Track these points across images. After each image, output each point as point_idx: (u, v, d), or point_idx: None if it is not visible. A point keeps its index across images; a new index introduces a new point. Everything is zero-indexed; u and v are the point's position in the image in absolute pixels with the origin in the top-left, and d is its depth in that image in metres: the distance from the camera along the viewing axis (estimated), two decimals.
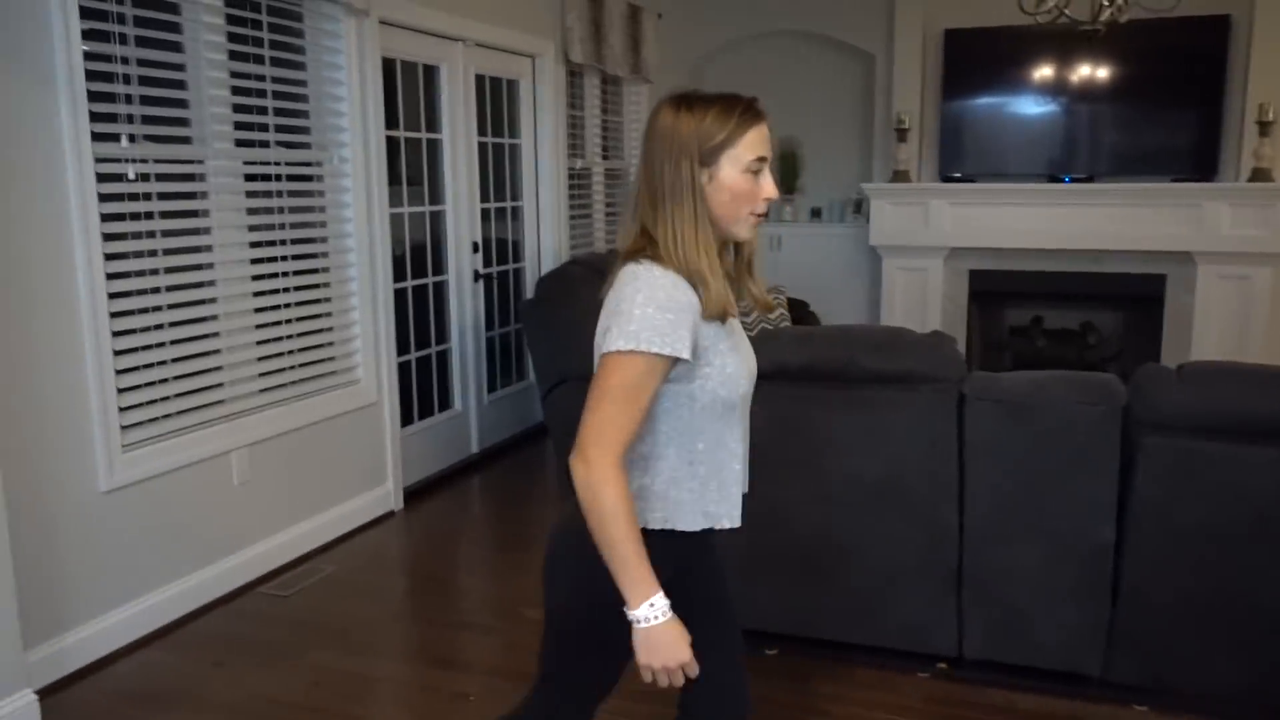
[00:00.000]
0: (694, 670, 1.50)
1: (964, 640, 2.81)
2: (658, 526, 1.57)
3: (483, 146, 5.11)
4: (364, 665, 3.08)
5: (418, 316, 4.76)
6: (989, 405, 2.58)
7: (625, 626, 1.54)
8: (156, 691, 2.91)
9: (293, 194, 3.80)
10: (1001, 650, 2.79)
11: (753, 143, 1.53)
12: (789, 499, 2.79)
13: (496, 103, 5.25)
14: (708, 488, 1.58)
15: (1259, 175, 5.95)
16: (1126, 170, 6.25)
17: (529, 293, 5.49)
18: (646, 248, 1.53)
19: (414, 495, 4.58)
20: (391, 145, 4.35)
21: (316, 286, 3.94)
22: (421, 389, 4.82)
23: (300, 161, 3.84)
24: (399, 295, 4.51)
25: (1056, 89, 6.31)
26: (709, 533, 1.62)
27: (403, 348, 4.57)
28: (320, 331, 3.96)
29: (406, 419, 4.61)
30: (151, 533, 3.22)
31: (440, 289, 4.93)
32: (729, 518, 1.61)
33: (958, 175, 6.53)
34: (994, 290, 6.69)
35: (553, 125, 5.55)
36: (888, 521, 2.73)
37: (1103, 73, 6.19)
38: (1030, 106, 6.39)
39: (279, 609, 3.46)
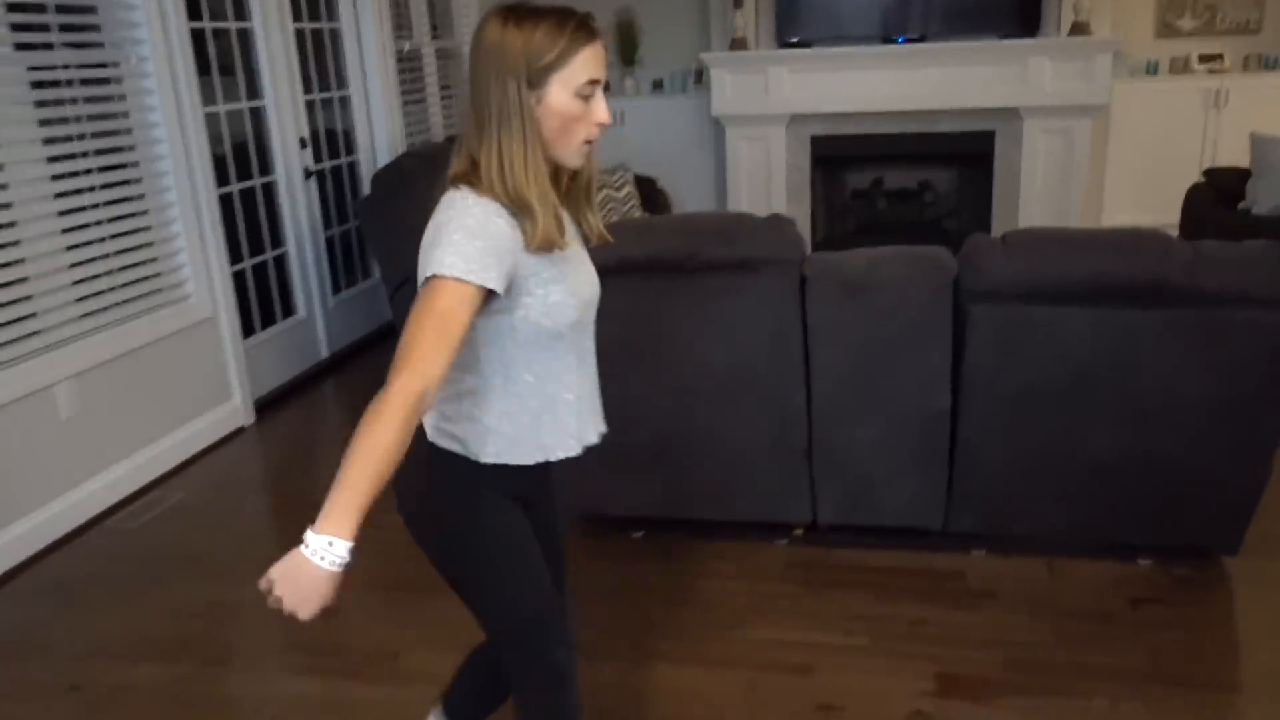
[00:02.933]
0: (306, 617, 1.32)
1: (817, 509, 2.94)
2: (492, 460, 1.53)
3: (300, 33, 4.78)
4: (226, 591, 3.01)
5: (249, 221, 4.51)
6: (829, 286, 2.64)
7: (503, 549, 1.56)
8: (2, 641, 2.78)
9: (90, 100, 3.48)
10: (852, 514, 2.94)
11: (585, 63, 1.42)
12: (644, 391, 2.82)
13: None
14: (540, 421, 1.54)
15: (1078, 29, 6.14)
16: (957, 29, 6.34)
17: (365, 187, 5.27)
18: (470, 173, 1.44)
19: (265, 407, 4.43)
20: (198, 38, 4.02)
21: (130, 200, 3.66)
22: (262, 297, 4.60)
23: (94, 63, 3.50)
24: (225, 200, 4.24)
25: None
26: (547, 463, 1.60)
27: (235, 256, 4.33)
28: (140, 248, 3.70)
29: (249, 330, 4.42)
30: None
31: (270, 190, 4.66)
32: (564, 448, 1.58)
33: (795, 40, 6.51)
34: (835, 155, 6.78)
35: (374, 4, 5.23)
36: (740, 405, 2.80)
37: None
38: None
39: (127, 542, 3.32)
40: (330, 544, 1.30)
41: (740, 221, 2.71)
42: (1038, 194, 6.43)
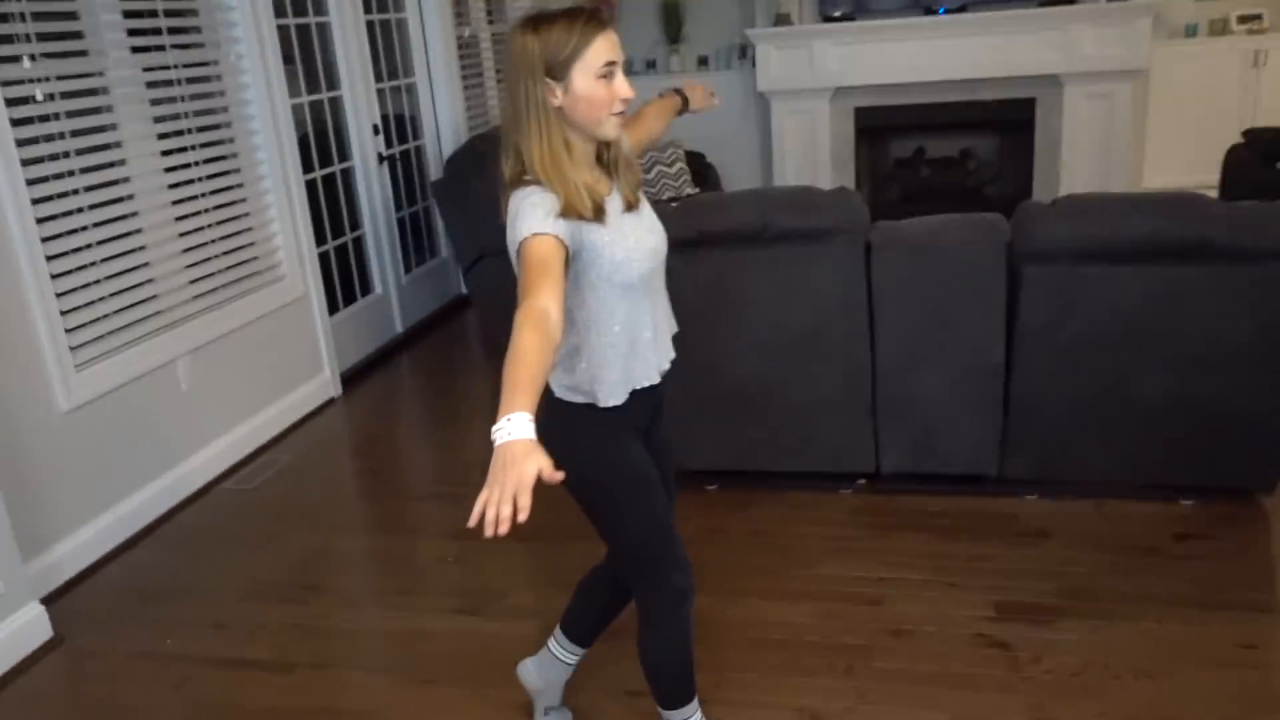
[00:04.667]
0: (525, 501, 1.34)
1: (880, 459, 3.19)
2: (603, 402, 1.80)
3: (370, 25, 5.05)
4: (339, 541, 3.33)
5: (330, 205, 4.80)
6: (892, 252, 2.88)
7: (628, 482, 1.83)
8: (150, 586, 3.11)
9: (195, 96, 3.77)
10: (913, 463, 3.18)
11: (599, 50, 1.65)
12: (721, 351, 3.07)
13: None
14: (631, 360, 1.80)
15: None
16: None
17: (432, 170, 5.55)
18: (524, 173, 1.70)
19: (350, 380, 4.74)
20: (283, 33, 4.30)
21: (231, 188, 3.96)
22: (343, 277, 4.90)
23: (198, 62, 3.79)
24: (309, 186, 4.53)
25: None
26: (648, 393, 1.85)
27: (320, 238, 4.63)
28: (241, 232, 4.01)
29: (333, 308, 4.72)
30: (115, 444, 3.35)
31: (347, 175, 4.95)
32: (647, 378, 1.84)
33: (838, 15, 6.68)
34: (878, 125, 6.96)
35: None
36: (809, 363, 3.05)
37: None
38: None
39: (247, 500, 3.65)
40: (509, 419, 1.39)
41: (809, 194, 2.95)
42: (1079, 159, 6.57)
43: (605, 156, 1.81)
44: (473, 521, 1.33)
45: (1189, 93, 6.63)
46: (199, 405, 3.74)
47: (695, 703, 2.09)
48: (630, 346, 1.80)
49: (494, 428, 1.40)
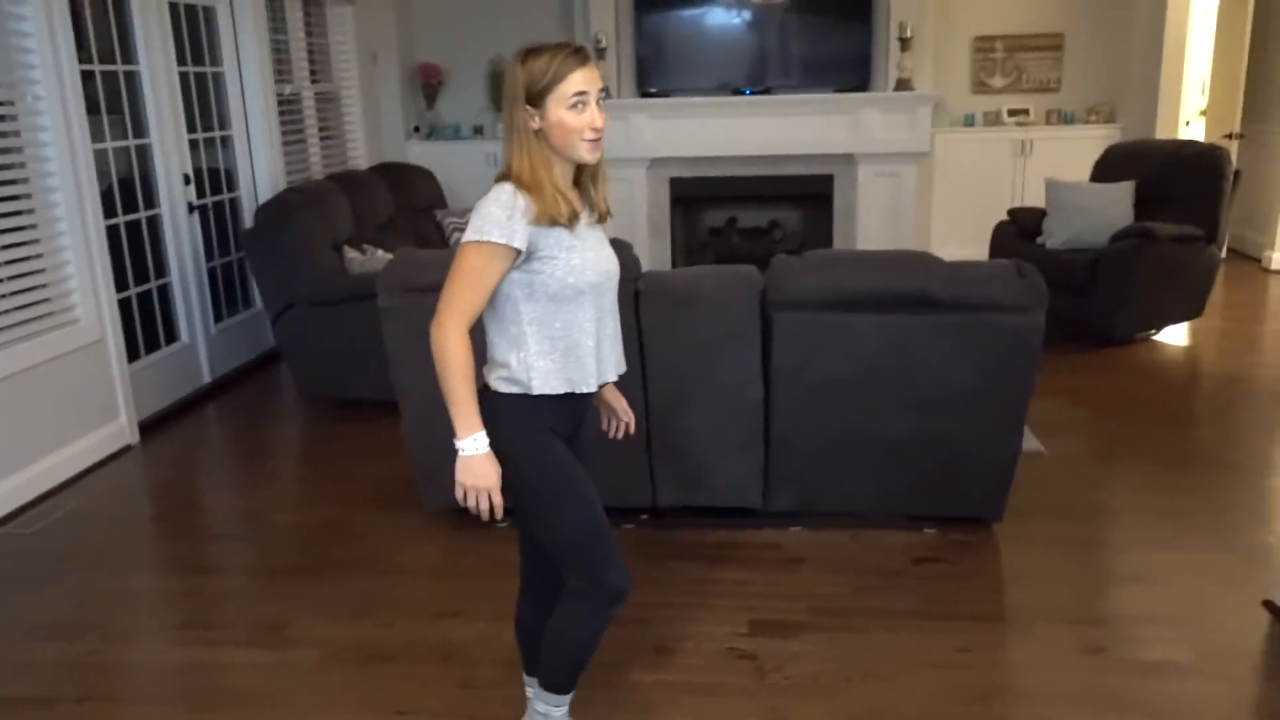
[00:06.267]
0: (498, 500, 1.89)
1: (657, 493, 3.41)
2: (537, 390, 1.96)
3: (184, 76, 5.08)
4: (125, 582, 3.29)
5: (134, 252, 4.76)
6: (659, 297, 3.13)
7: (561, 478, 1.98)
8: None
9: None
10: (687, 497, 3.41)
11: (573, 82, 1.85)
12: None
13: (194, 30, 5.22)
14: (568, 359, 1.96)
15: (902, 85, 6.91)
16: (798, 83, 7.05)
17: (247, 222, 5.57)
18: (508, 174, 1.90)
19: (149, 428, 4.67)
20: (87, 79, 4.30)
21: (23, 229, 3.92)
22: (146, 324, 4.85)
23: None
24: (112, 232, 4.50)
25: (740, 5, 6.98)
26: (571, 396, 2.01)
27: (121, 284, 4.58)
28: (33, 274, 3.95)
29: (134, 354, 4.66)
30: None
31: (154, 223, 4.93)
32: (585, 385, 2.00)
33: (654, 91, 7.10)
34: (693, 195, 7.39)
35: (256, 50, 5.57)
36: None
37: None
38: (717, 21, 7.04)
39: (26, 544, 3.56)
40: (474, 439, 1.88)
41: None
42: (873, 230, 7.15)
43: (582, 177, 2.00)
44: (458, 497, 1.90)
45: (967, 175, 7.34)
46: None
47: (569, 697, 2.19)
48: (570, 346, 1.96)
49: (457, 442, 1.87)
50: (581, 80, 1.87)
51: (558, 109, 1.87)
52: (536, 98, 1.87)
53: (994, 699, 2.54)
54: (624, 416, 2.30)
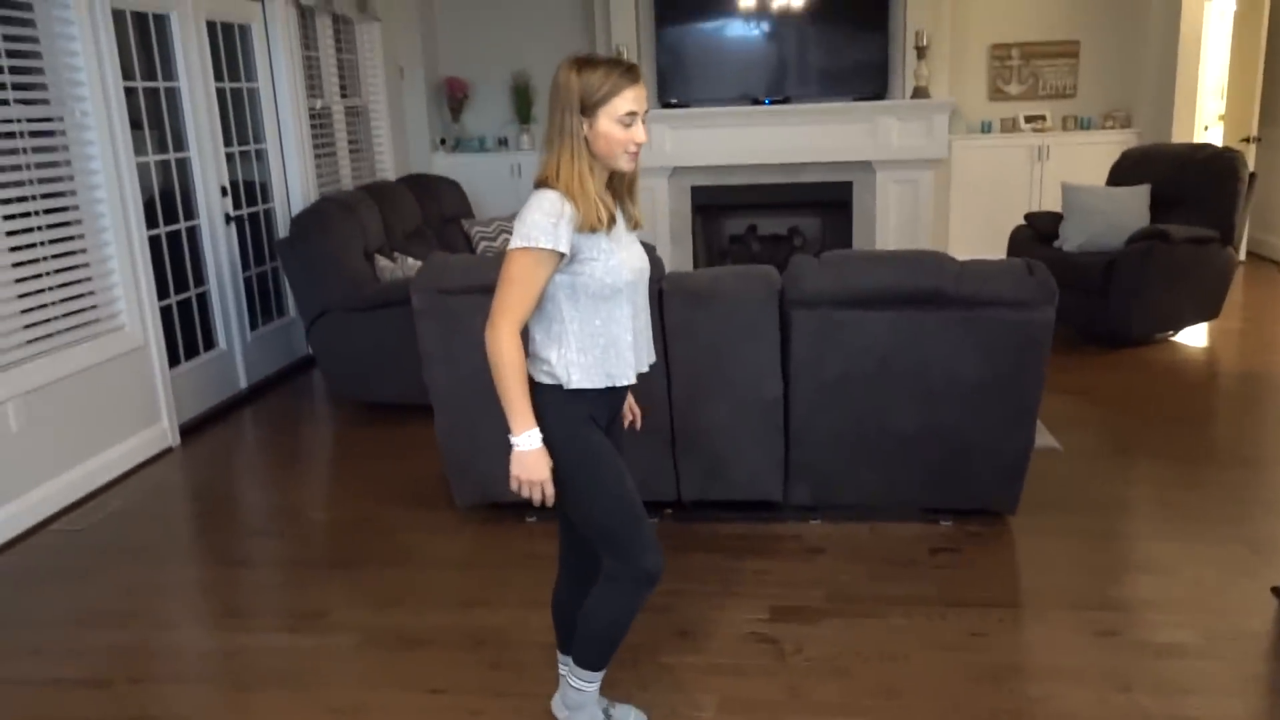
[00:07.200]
0: (550, 490, 2.03)
1: (681, 487, 3.52)
2: (577, 385, 2.07)
3: (221, 92, 5.27)
4: (169, 575, 3.44)
5: (174, 261, 4.94)
6: (680, 296, 3.26)
7: (600, 465, 2.08)
8: None
9: (37, 149, 3.92)
10: (709, 490, 3.52)
11: (626, 99, 1.96)
12: None
13: (231, 48, 5.40)
14: (607, 354, 2.08)
15: (919, 93, 7.01)
16: (817, 92, 7.17)
17: (280, 232, 5.75)
18: (548, 177, 2.01)
19: (189, 431, 4.83)
20: (131, 95, 4.48)
21: (71, 239, 4.09)
22: (185, 331, 5.02)
23: (41, 117, 3.95)
24: (153, 242, 4.68)
25: (758, 16, 7.11)
26: (613, 390, 2.14)
27: (163, 293, 4.76)
28: (80, 282, 4.12)
29: (174, 360, 4.82)
30: None
31: (193, 233, 5.11)
32: (625, 377, 2.12)
33: (675, 101, 7.24)
34: (714, 203, 7.51)
35: (288, 67, 5.75)
36: None
37: (797, 3, 7.00)
38: (736, 32, 7.17)
39: (74, 540, 3.71)
40: (529, 434, 2.01)
41: None
42: (892, 235, 7.25)
43: (615, 182, 2.10)
44: (513, 488, 2.06)
45: (984, 180, 7.42)
46: (29, 447, 3.80)
47: (601, 675, 2.31)
48: (610, 342, 2.08)
49: (512, 438, 2.01)
50: (633, 99, 1.97)
51: (608, 121, 1.97)
52: (590, 108, 1.96)
53: (1006, 678, 2.63)
54: (629, 414, 2.40)
